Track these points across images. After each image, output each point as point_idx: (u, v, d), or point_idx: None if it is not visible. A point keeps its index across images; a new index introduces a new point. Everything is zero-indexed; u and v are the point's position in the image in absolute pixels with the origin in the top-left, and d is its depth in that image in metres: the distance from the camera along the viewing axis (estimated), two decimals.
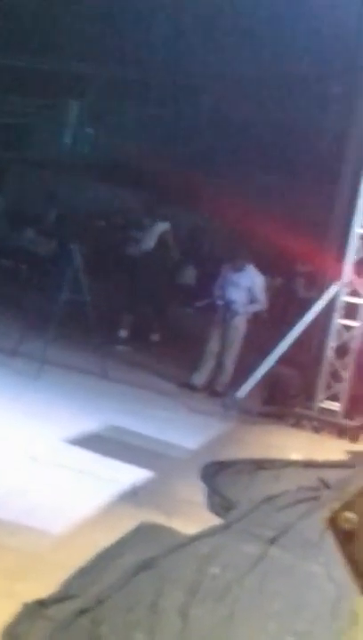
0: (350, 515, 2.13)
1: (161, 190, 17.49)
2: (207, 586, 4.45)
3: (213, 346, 10.04)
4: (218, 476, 6.76)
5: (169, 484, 6.51)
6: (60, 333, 9.42)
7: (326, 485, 6.61)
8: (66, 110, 22.16)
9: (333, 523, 2.15)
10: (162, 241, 12.55)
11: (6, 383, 8.46)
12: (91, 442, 7.04)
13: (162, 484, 6.46)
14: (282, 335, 9.46)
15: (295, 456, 7.93)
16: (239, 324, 10.03)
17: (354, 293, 9.50)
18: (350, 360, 9.47)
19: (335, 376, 9.51)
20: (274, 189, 17.43)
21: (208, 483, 6.58)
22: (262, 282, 10.31)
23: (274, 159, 18.24)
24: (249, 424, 9.04)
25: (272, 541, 5.19)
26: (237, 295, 10.02)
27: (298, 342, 9.42)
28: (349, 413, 9.37)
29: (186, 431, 8.17)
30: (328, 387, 9.50)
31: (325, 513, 2.19)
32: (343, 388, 9.44)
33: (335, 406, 9.41)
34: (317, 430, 9.20)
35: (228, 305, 10.01)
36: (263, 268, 10.59)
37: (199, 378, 10.00)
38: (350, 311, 9.51)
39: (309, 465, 7.44)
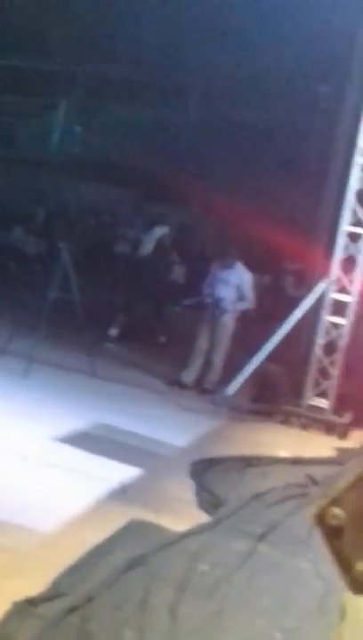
0: (337, 511, 2.13)
1: (150, 189, 17.49)
2: (196, 583, 4.48)
3: (202, 343, 10.05)
4: (207, 473, 6.79)
5: (158, 482, 6.53)
6: (49, 332, 9.41)
7: (315, 482, 6.63)
8: (54, 109, 22.13)
9: (320, 519, 2.15)
10: (160, 244, 12.60)
11: None
12: (80, 440, 7.05)
13: (151, 481, 6.48)
14: (271, 333, 9.49)
15: (284, 453, 7.95)
16: (228, 322, 10.04)
17: (342, 291, 9.52)
18: (339, 357, 9.49)
19: (324, 373, 9.53)
20: (262, 188, 17.42)
21: (197, 480, 6.60)
22: (251, 279, 10.32)
23: (262, 158, 18.25)
24: (238, 421, 9.06)
25: (261, 538, 5.21)
26: (225, 293, 10.02)
27: (287, 340, 9.45)
28: (337, 410, 9.39)
29: (175, 429, 8.19)
30: (317, 384, 9.52)
31: (312, 509, 2.19)
32: (332, 385, 9.46)
33: (324, 403, 9.43)
34: (305, 427, 9.22)
35: (216, 302, 10.01)
36: (252, 266, 10.59)
37: (188, 375, 10.00)
38: (339, 309, 9.53)
39: (297, 462, 7.46)
